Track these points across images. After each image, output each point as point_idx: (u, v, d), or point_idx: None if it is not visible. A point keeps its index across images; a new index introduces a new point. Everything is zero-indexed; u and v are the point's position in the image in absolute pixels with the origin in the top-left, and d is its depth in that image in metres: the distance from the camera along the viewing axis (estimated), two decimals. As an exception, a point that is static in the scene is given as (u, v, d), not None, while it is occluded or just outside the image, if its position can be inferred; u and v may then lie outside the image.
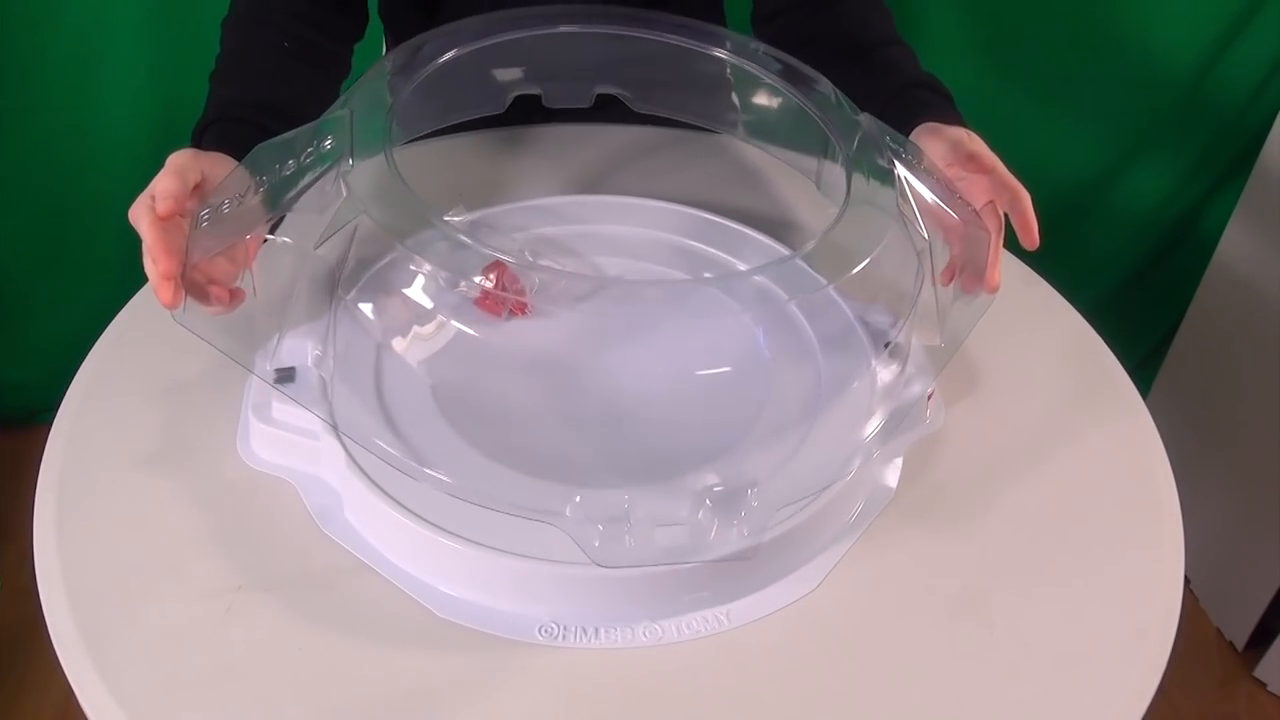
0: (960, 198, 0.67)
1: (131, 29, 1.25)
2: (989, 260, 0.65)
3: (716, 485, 0.57)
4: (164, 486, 0.62)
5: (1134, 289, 1.57)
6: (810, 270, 0.60)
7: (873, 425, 0.63)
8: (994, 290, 0.66)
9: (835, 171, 0.73)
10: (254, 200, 0.60)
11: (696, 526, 0.56)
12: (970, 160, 0.69)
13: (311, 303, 0.66)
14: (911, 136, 0.73)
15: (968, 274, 0.66)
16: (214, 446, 0.65)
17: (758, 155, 0.90)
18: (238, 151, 0.65)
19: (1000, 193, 0.68)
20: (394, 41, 1.01)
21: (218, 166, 0.64)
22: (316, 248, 0.62)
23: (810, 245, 0.60)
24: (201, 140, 0.69)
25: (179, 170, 0.61)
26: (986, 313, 0.68)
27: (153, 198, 0.60)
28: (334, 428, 0.61)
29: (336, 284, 0.67)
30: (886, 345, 0.69)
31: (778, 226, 0.84)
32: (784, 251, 0.78)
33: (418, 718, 0.52)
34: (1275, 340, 1.25)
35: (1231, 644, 1.39)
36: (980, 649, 0.57)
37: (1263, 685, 1.35)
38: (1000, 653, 0.56)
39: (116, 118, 1.32)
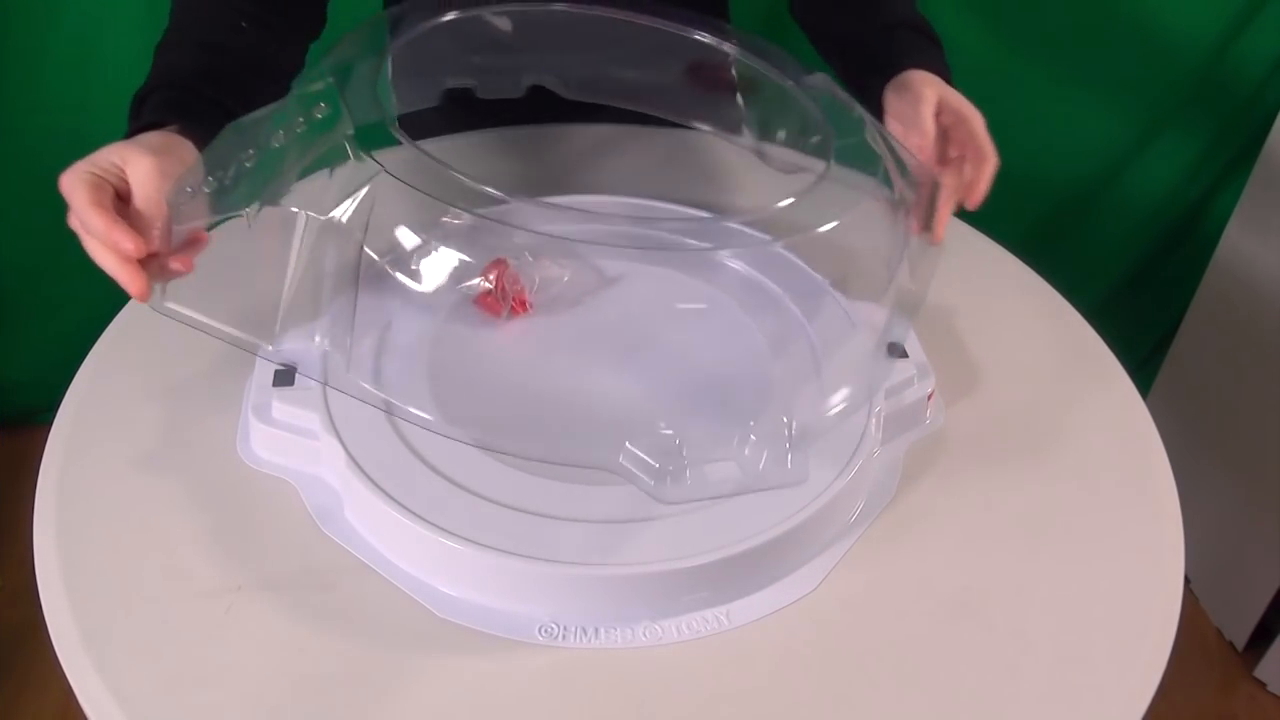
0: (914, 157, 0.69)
1: (131, 29, 1.25)
2: (938, 213, 0.68)
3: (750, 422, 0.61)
4: (164, 486, 0.62)
5: (1134, 289, 1.57)
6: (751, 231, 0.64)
7: (873, 425, 0.63)
8: (937, 241, 0.68)
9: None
10: (239, 178, 0.57)
11: (745, 460, 0.59)
12: (953, 117, 0.71)
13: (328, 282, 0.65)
14: (893, 82, 0.75)
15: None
16: (214, 446, 0.65)
17: (761, 156, 0.90)
18: (175, 116, 0.63)
19: (970, 148, 0.70)
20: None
21: (140, 161, 0.58)
22: (329, 212, 0.59)
23: (785, 203, 0.61)
24: (143, 108, 0.66)
25: (96, 189, 0.56)
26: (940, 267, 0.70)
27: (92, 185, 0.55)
28: (333, 427, 0.61)
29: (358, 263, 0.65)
30: (888, 346, 0.70)
31: (777, 226, 0.84)
32: (783, 250, 0.78)
33: (418, 718, 0.52)
34: (1275, 340, 1.25)
35: (1231, 644, 1.39)
36: (980, 649, 0.57)
37: (1263, 685, 1.35)
38: (1000, 653, 0.56)
39: (116, 117, 1.31)
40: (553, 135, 0.95)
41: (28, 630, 1.29)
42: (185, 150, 0.62)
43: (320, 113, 0.59)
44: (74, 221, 0.56)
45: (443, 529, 0.56)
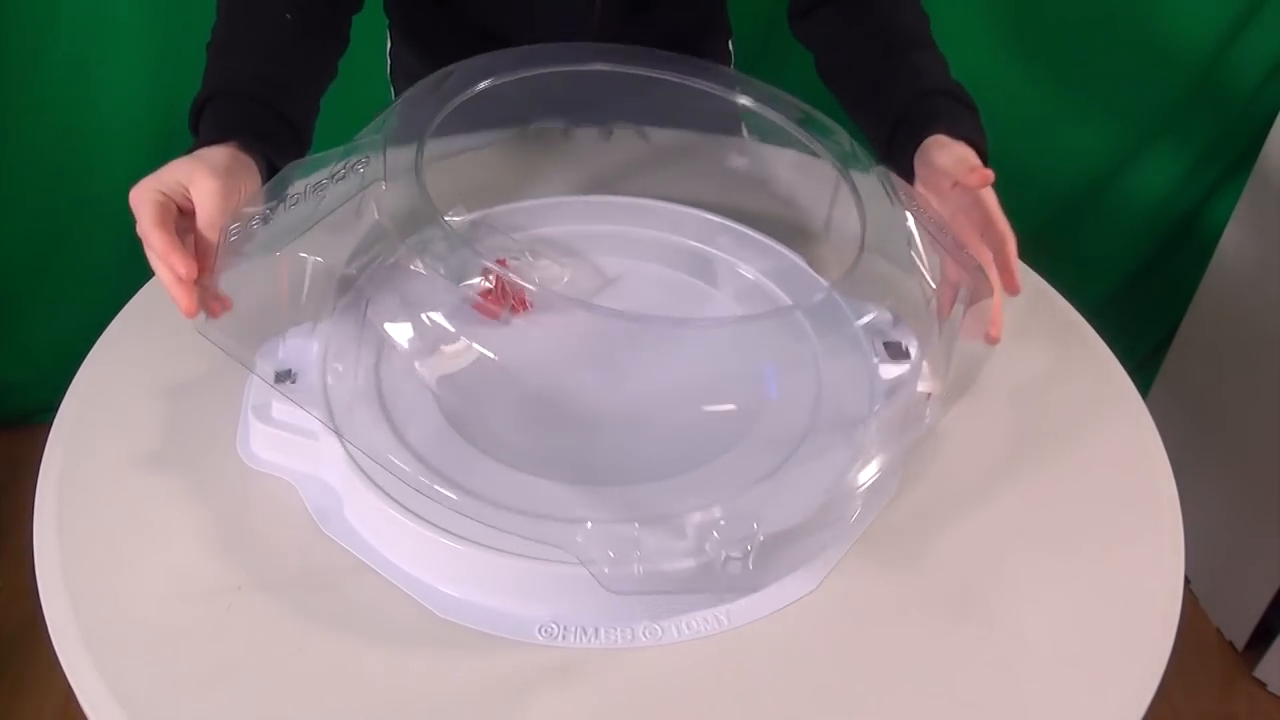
0: (965, 251, 0.68)
1: (131, 29, 1.25)
2: (991, 315, 0.67)
3: (720, 520, 0.57)
4: (164, 486, 0.62)
5: (1134, 289, 1.57)
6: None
7: (872, 426, 0.63)
8: (994, 343, 0.68)
9: (846, 218, 0.74)
10: (284, 220, 0.61)
11: (705, 560, 0.56)
12: (970, 174, 0.69)
13: (319, 304, 0.66)
14: (921, 147, 0.73)
15: (968, 323, 0.67)
16: (214, 446, 0.65)
17: (760, 157, 0.90)
18: (237, 129, 0.65)
19: (989, 232, 0.70)
20: (397, 34, 1.00)
21: (205, 183, 0.62)
22: (347, 266, 0.63)
23: (819, 297, 0.62)
24: (201, 114, 0.68)
25: (161, 208, 0.60)
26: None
27: (158, 197, 0.60)
28: (336, 432, 0.61)
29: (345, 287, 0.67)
30: (887, 345, 0.70)
31: (778, 227, 0.84)
32: (783, 251, 0.78)
33: (418, 718, 0.52)
34: (1275, 340, 1.25)
35: (1231, 644, 1.39)
36: (980, 649, 0.57)
37: (1263, 685, 1.35)
38: (1000, 653, 0.56)
39: (116, 118, 1.32)
40: (571, 136, 0.95)
41: (27, 630, 1.29)
42: (247, 171, 0.65)
43: (362, 166, 0.61)
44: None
45: (443, 529, 0.56)
